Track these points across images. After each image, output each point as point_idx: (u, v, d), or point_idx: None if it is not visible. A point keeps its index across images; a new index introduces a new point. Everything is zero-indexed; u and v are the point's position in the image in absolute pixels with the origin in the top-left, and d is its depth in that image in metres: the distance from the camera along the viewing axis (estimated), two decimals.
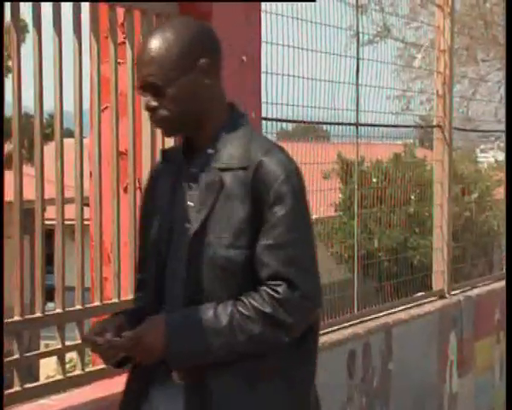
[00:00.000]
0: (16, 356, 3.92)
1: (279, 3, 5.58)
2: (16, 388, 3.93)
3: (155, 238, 3.23)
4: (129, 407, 3.22)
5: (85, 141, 4.35)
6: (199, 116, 3.21)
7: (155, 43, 3.16)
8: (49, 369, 8.88)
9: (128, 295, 4.56)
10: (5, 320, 3.73)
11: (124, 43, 4.58)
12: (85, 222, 4.37)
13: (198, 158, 3.20)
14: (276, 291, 3.01)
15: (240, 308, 3.03)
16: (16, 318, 3.92)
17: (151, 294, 3.28)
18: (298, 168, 3.19)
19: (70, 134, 4.40)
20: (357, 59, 7.17)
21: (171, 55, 3.13)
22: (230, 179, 3.10)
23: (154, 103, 3.15)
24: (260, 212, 3.05)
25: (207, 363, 3.04)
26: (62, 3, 4.11)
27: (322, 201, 7.51)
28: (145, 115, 4.65)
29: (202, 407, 3.03)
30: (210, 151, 3.16)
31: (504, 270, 6.03)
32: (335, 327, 6.45)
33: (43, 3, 3.95)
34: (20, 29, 4.03)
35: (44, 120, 4.16)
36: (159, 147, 4.69)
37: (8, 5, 3.85)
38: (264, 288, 3.03)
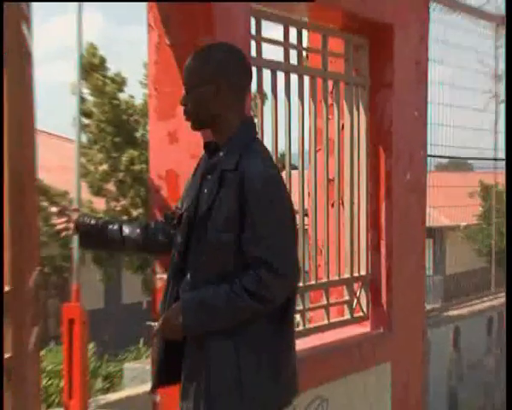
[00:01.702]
0: None
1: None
2: None
3: (183, 206, 3.04)
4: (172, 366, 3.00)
5: (305, 172, 4.35)
6: (212, 121, 2.94)
7: (193, 59, 2.96)
8: None
9: (334, 276, 4.54)
10: None
11: (332, 105, 4.56)
12: (305, 227, 4.38)
13: (214, 157, 2.95)
14: (258, 274, 2.75)
15: (233, 288, 2.77)
16: None
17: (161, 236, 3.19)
18: (275, 176, 2.88)
19: (295, 167, 4.41)
20: (495, 113, 7.00)
21: (197, 70, 2.90)
22: (228, 179, 2.83)
23: (183, 101, 2.97)
24: (243, 208, 2.79)
25: (210, 329, 2.82)
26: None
27: (469, 213, 7.36)
28: (346, 153, 4.65)
29: (201, 361, 2.82)
30: (221, 154, 2.92)
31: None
32: (478, 301, 6.27)
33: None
34: (263, 96, 4.06)
35: (279, 157, 4.17)
36: (358, 175, 4.67)
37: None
38: (251, 271, 2.77)
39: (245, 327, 2.83)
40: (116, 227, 3.28)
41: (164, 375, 3.02)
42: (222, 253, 2.83)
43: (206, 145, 3.01)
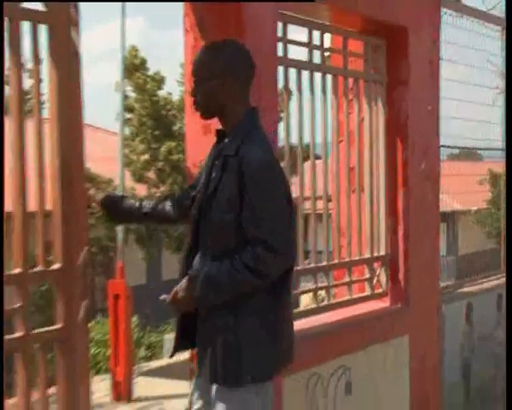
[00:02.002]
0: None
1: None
2: None
3: (197, 186, 3.06)
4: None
5: (328, 161, 4.34)
6: (219, 111, 2.95)
7: (203, 54, 2.97)
8: (305, 300, 8.85)
9: (355, 256, 4.54)
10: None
11: (352, 100, 4.56)
12: (329, 211, 4.38)
13: (221, 143, 2.96)
14: (256, 251, 2.76)
15: (234, 264, 2.78)
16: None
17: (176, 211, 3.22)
18: (271, 161, 2.87)
19: (318, 157, 4.41)
20: (503, 107, 6.93)
21: (207, 65, 2.92)
22: (229, 163, 2.84)
23: (193, 93, 2.99)
24: (242, 190, 2.80)
25: (216, 302, 2.84)
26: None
27: (479, 198, 7.32)
28: (366, 144, 4.64)
29: (209, 329, 2.87)
30: (226, 140, 2.93)
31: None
32: (489, 279, 6.23)
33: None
34: (289, 92, 4.06)
35: (304, 147, 4.17)
36: (377, 164, 4.67)
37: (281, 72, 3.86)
38: (250, 248, 2.78)
39: (245, 300, 2.84)
40: (134, 201, 3.35)
41: (181, 341, 3.07)
42: (225, 232, 2.85)
43: (217, 133, 3.03)
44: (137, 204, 3.33)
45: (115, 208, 3.33)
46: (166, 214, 3.28)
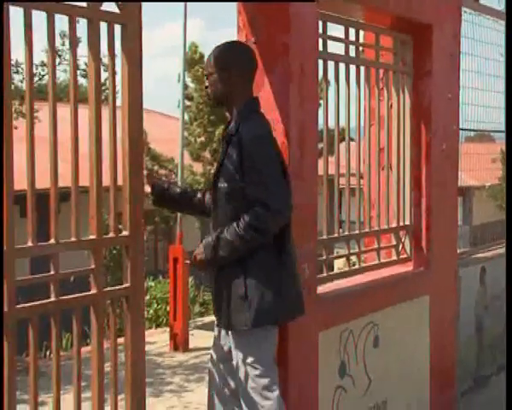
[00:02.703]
0: (324, 258, 3.89)
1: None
2: (323, 274, 3.89)
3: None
4: None
5: (361, 143, 4.26)
6: (225, 100, 3.06)
7: (214, 51, 3.08)
8: (339, 264, 8.79)
9: (383, 226, 4.46)
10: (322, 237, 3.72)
11: (382, 89, 4.45)
12: (361, 186, 4.29)
13: (227, 127, 3.07)
14: (255, 210, 2.85)
15: (239, 224, 2.86)
16: (325, 237, 3.89)
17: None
18: (265, 135, 2.99)
19: (352, 139, 4.31)
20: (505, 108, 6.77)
21: (216, 60, 3.03)
22: (232, 141, 2.96)
23: (206, 83, 3.11)
24: (242, 160, 2.89)
25: (229, 260, 2.91)
26: None
27: (492, 175, 7.16)
28: (394, 127, 4.54)
29: (221, 283, 2.93)
30: (230, 125, 3.03)
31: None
32: (500, 245, 6.08)
33: None
34: (327, 82, 3.97)
35: (340, 130, 4.08)
36: (404, 145, 4.57)
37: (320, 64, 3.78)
38: (251, 209, 2.86)
39: (252, 257, 2.91)
40: (179, 190, 3.39)
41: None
42: (232, 199, 2.93)
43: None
44: (182, 195, 3.35)
45: (162, 197, 3.31)
46: (204, 205, 3.29)
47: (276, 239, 2.96)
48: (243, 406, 3.00)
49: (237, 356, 2.99)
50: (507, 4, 4.98)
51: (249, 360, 2.96)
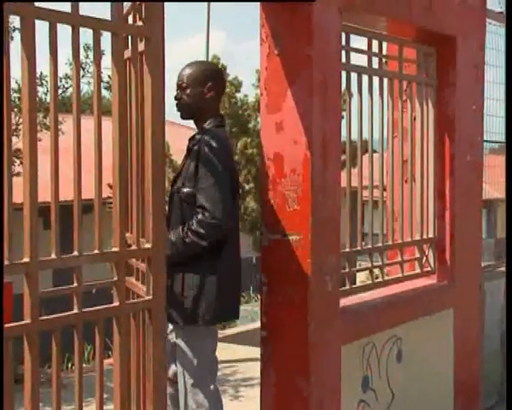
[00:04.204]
0: (347, 270, 3.87)
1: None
2: (346, 287, 3.86)
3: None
4: None
5: (384, 155, 4.23)
6: (195, 114, 3.29)
7: (189, 67, 3.31)
8: (361, 277, 8.72)
9: (407, 238, 4.43)
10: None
11: (406, 101, 4.43)
12: (384, 199, 4.26)
13: (191, 140, 3.27)
14: (197, 216, 3.11)
15: (184, 228, 3.14)
16: (348, 249, 3.87)
17: None
18: (218, 148, 3.17)
19: (375, 151, 4.29)
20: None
21: (193, 75, 3.24)
22: (192, 151, 3.21)
23: (177, 96, 3.31)
24: (198, 169, 3.14)
25: (174, 261, 3.08)
26: None
27: None
28: (418, 139, 4.51)
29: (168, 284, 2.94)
30: (197, 137, 3.24)
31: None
32: None
33: None
34: (350, 94, 3.96)
35: (363, 142, 4.06)
36: (427, 157, 4.54)
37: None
38: (195, 214, 3.12)
39: (192, 261, 3.16)
40: None
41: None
42: (185, 203, 3.18)
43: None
44: None
45: None
46: None
47: (215, 247, 3.17)
48: (180, 397, 3.27)
49: (178, 348, 3.26)
50: (507, 4, 4.90)
51: (185, 353, 3.22)
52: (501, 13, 5.70)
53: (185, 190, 3.19)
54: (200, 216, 3.10)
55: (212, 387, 3.25)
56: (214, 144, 3.16)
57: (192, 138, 3.27)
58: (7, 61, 2.15)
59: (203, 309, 3.16)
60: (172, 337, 3.33)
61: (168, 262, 2.84)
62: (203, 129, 3.27)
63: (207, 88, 3.29)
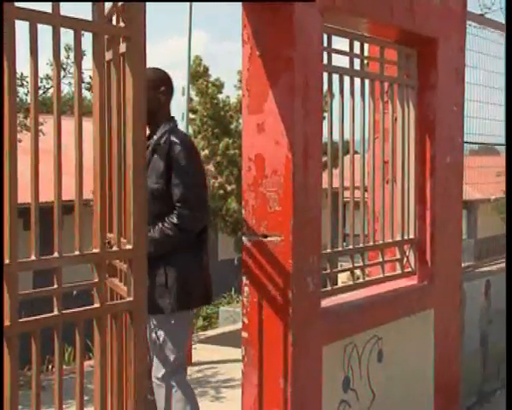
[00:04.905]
0: (328, 271, 3.88)
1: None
2: (327, 288, 3.87)
3: None
4: None
5: (366, 155, 4.24)
6: (151, 116, 3.28)
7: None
8: (342, 278, 8.71)
9: (388, 239, 4.44)
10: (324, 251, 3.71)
11: (387, 102, 4.44)
12: (365, 200, 4.27)
13: (151, 139, 3.46)
14: (178, 210, 3.34)
15: (164, 223, 3.36)
16: (329, 250, 3.87)
17: None
18: (190, 145, 3.53)
19: (357, 152, 4.30)
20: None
21: (149, 78, 3.18)
22: (159, 149, 3.40)
23: None
24: (171, 165, 3.36)
25: (155, 255, 3.23)
26: None
27: (496, 188, 7.13)
28: (399, 140, 4.53)
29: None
30: (155, 137, 3.47)
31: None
32: (503, 260, 6.05)
33: None
34: (332, 95, 3.97)
35: (345, 143, 4.07)
36: (408, 158, 4.56)
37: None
38: (176, 209, 3.35)
39: (172, 254, 3.39)
40: None
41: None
42: (156, 199, 3.33)
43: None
44: None
45: None
46: None
47: (194, 238, 3.44)
48: (159, 388, 3.49)
49: (158, 336, 3.45)
50: (507, 4, 4.94)
51: (167, 339, 3.45)
52: (481, 15, 5.75)
53: (155, 186, 3.36)
54: (182, 210, 3.34)
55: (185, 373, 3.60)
56: (186, 143, 3.47)
57: (149, 137, 3.42)
58: None
59: (187, 296, 3.45)
60: (153, 328, 3.49)
61: (150, 256, 2.88)
62: (165, 130, 3.48)
63: (161, 92, 3.53)
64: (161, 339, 3.47)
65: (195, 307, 3.72)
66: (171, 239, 3.37)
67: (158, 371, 3.51)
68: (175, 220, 3.35)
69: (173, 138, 3.43)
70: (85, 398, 2.49)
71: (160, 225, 3.36)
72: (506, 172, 4.02)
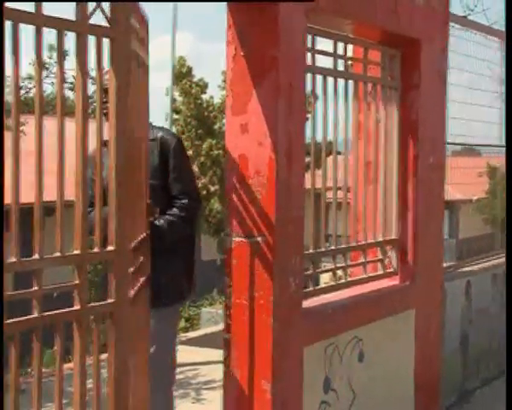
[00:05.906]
0: (310, 272, 3.88)
1: None
2: (309, 289, 3.87)
3: None
4: None
5: (349, 156, 4.25)
6: None
7: None
8: (325, 279, 8.72)
9: (370, 239, 4.44)
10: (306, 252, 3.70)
11: (370, 103, 4.44)
12: (348, 200, 4.28)
13: None
14: (183, 202, 3.46)
15: (170, 215, 3.44)
16: (311, 251, 3.87)
17: None
18: (180, 140, 3.66)
19: (340, 153, 4.30)
20: (500, 110, 6.78)
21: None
22: (152, 146, 3.38)
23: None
24: (167, 160, 3.45)
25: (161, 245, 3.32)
26: None
27: (478, 189, 7.18)
28: (381, 141, 4.54)
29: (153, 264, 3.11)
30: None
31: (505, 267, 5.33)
32: (486, 259, 6.10)
33: None
34: (315, 96, 3.96)
35: (328, 144, 4.07)
36: (391, 159, 4.57)
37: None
38: (177, 201, 3.46)
39: (178, 246, 3.52)
40: None
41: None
42: (156, 194, 3.32)
43: None
44: None
45: None
46: None
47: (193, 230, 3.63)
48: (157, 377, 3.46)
49: (156, 329, 3.41)
50: (507, 11, 4.96)
51: (166, 331, 3.53)
52: (464, 17, 5.76)
53: (152, 181, 3.31)
54: (185, 202, 3.46)
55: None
56: (176, 139, 3.59)
57: None
58: None
59: (175, 291, 3.57)
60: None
61: (156, 247, 3.13)
62: (150, 127, 3.46)
63: None
64: (163, 328, 3.52)
65: (182, 300, 3.83)
66: (177, 230, 3.47)
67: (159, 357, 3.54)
68: (180, 211, 3.46)
69: (163, 134, 3.52)
70: (64, 401, 2.47)
71: (166, 217, 3.44)
72: (506, 173, 4.02)
